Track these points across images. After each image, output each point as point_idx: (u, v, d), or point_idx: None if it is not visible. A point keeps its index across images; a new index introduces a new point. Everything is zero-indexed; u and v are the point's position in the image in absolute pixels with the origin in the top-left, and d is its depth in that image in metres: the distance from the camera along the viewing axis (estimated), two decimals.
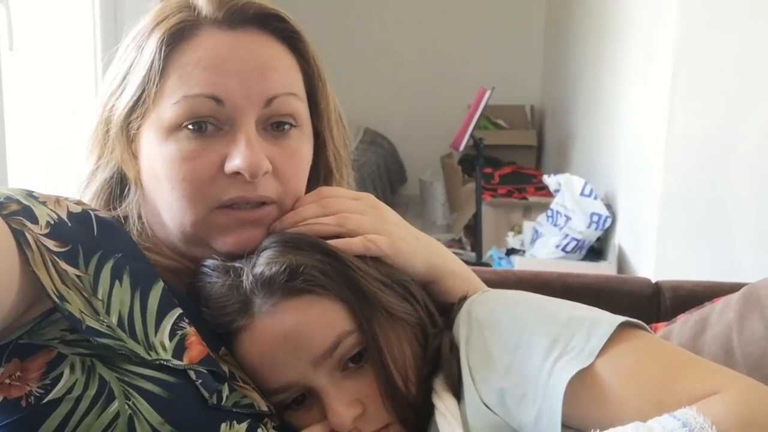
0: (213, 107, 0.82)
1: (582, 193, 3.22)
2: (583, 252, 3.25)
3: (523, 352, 0.76)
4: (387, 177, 4.96)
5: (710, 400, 0.66)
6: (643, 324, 0.77)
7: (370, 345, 0.79)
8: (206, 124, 0.83)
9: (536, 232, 3.48)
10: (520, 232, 3.76)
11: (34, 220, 0.74)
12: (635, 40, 3.00)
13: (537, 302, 0.83)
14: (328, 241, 0.84)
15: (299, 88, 0.88)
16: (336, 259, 0.82)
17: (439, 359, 0.82)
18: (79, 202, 0.83)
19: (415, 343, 0.83)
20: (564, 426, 0.71)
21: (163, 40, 0.84)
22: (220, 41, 0.84)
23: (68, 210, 0.79)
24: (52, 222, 0.75)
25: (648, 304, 1.35)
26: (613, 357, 0.72)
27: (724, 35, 2.30)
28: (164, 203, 0.85)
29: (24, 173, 2.03)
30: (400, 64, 5.46)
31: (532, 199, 4.12)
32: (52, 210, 0.77)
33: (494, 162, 4.60)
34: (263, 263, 0.80)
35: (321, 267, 0.80)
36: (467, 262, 1.02)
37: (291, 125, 0.87)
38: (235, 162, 0.81)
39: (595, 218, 3.16)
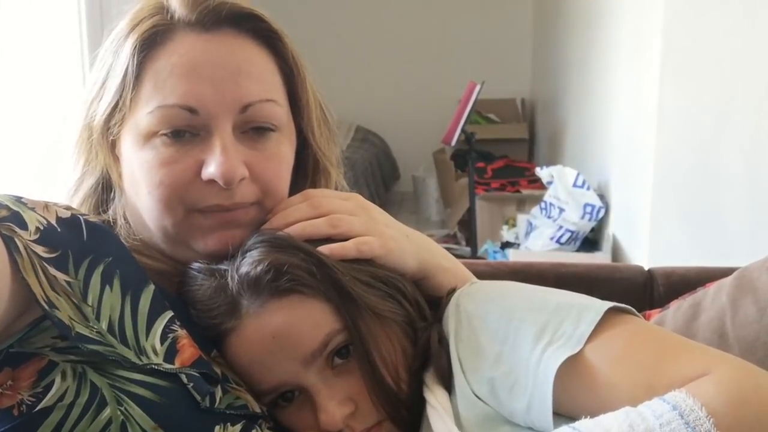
0: (188, 117, 0.82)
1: (575, 185, 3.22)
2: (578, 243, 3.25)
3: (512, 341, 0.76)
4: (380, 174, 4.96)
5: (700, 381, 0.66)
6: (632, 309, 0.78)
7: (356, 344, 0.79)
8: (182, 131, 0.83)
9: (530, 224, 3.48)
10: (514, 225, 3.76)
11: (24, 225, 0.73)
12: (623, 30, 3.00)
13: (525, 291, 0.83)
14: (323, 247, 0.84)
15: (277, 91, 0.88)
16: (317, 260, 0.82)
17: (428, 353, 0.82)
18: (68, 207, 0.83)
19: (405, 340, 0.83)
20: (555, 413, 0.72)
21: (136, 46, 0.84)
22: (193, 45, 0.84)
23: (57, 215, 0.79)
24: (42, 227, 0.75)
25: (641, 292, 1.35)
26: (602, 343, 0.72)
27: (711, 22, 2.30)
28: (144, 206, 0.85)
29: (13, 177, 2.03)
30: (390, 61, 5.45)
31: (525, 191, 4.12)
32: (41, 215, 0.77)
33: (486, 156, 4.60)
34: (248, 263, 0.80)
35: (306, 266, 0.80)
36: (462, 257, 1.03)
37: (270, 128, 0.86)
38: (210, 170, 0.82)
39: (589, 209, 3.17)
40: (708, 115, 2.34)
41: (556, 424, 0.71)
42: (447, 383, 0.80)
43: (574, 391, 0.72)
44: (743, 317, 1.09)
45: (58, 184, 0.93)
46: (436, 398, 0.78)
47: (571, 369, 0.71)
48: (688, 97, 2.40)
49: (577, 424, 0.68)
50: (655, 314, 1.23)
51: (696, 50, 2.35)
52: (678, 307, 1.20)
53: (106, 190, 0.91)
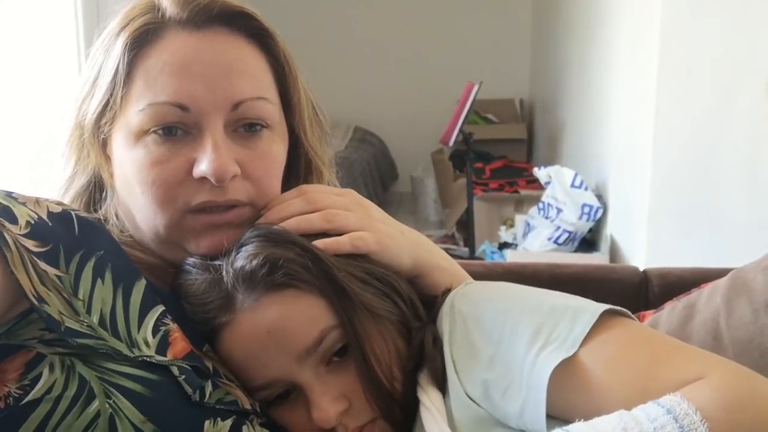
0: (179, 114, 0.82)
1: (572, 185, 3.22)
2: (576, 243, 3.25)
3: (506, 344, 0.75)
4: (378, 174, 4.96)
5: (694, 385, 0.66)
6: (627, 311, 0.77)
7: (351, 341, 0.79)
8: (174, 128, 0.82)
9: (528, 225, 3.48)
10: (512, 225, 3.76)
11: (14, 220, 0.73)
12: (622, 31, 3.00)
13: (520, 292, 0.82)
14: (318, 241, 0.83)
15: (268, 89, 0.87)
16: (314, 255, 0.81)
17: (423, 353, 0.81)
18: (59, 203, 0.83)
19: (399, 339, 0.83)
20: (549, 416, 0.71)
21: (127, 44, 0.83)
22: (185, 43, 0.84)
23: (48, 210, 0.78)
24: (32, 222, 0.75)
25: (636, 292, 1.34)
26: (596, 345, 0.72)
27: (708, 23, 2.30)
28: (136, 206, 0.85)
29: (9, 176, 2.03)
30: (388, 61, 5.46)
31: (523, 192, 4.12)
32: (32, 210, 0.76)
33: (485, 156, 4.59)
34: (243, 257, 0.80)
35: (301, 261, 0.80)
36: (460, 258, 1.02)
37: (262, 126, 0.86)
38: (202, 167, 0.81)
39: (587, 209, 3.17)
40: (706, 116, 2.34)
41: (550, 427, 0.70)
42: (441, 384, 0.79)
43: (569, 393, 0.71)
44: (738, 318, 1.09)
45: (50, 183, 0.93)
46: (429, 399, 0.78)
47: (565, 372, 0.71)
48: (686, 98, 2.40)
49: (570, 427, 0.67)
50: (650, 315, 1.23)
51: (694, 51, 2.35)
52: (672, 308, 1.20)
53: (97, 189, 0.90)
